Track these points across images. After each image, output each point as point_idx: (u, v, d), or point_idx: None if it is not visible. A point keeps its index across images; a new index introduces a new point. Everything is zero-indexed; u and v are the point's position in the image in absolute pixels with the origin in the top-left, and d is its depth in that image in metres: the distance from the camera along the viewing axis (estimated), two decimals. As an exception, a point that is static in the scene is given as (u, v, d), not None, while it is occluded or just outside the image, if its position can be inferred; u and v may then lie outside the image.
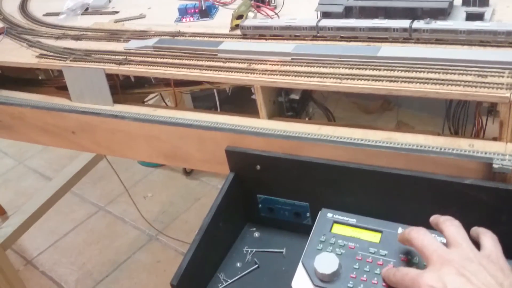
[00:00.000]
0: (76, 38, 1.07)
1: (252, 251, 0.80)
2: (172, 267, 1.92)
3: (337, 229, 0.70)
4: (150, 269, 1.93)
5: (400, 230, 0.67)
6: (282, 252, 0.79)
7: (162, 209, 2.20)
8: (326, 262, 0.64)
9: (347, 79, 0.74)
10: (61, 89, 1.05)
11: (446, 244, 0.58)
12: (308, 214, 0.79)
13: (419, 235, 0.60)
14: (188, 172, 2.37)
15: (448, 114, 0.83)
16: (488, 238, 0.59)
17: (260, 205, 0.83)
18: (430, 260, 0.57)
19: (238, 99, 0.93)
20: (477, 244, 0.59)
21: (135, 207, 1.97)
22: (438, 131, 0.83)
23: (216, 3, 1.07)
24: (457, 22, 0.77)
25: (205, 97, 1.32)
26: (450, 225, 0.60)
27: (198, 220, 2.00)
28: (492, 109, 0.76)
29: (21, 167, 2.69)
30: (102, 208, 2.29)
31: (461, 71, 0.69)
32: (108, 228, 2.17)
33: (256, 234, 0.83)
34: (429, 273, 0.55)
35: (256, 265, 0.78)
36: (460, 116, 0.82)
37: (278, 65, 0.81)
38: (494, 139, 0.73)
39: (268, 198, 0.81)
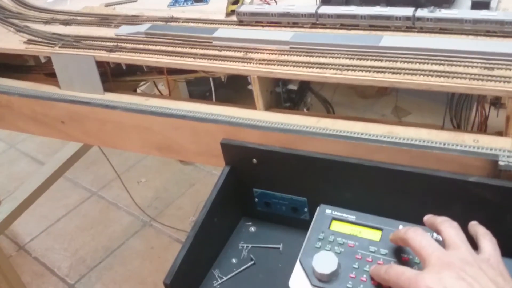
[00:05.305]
0: (66, 23, 1.04)
1: (248, 246, 0.78)
2: (166, 253, 1.92)
3: (336, 226, 0.68)
4: (144, 255, 1.92)
5: (401, 227, 0.65)
6: (279, 248, 0.77)
7: (156, 195, 2.18)
8: (325, 261, 0.62)
9: (348, 70, 0.71)
10: (51, 75, 1.01)
11: (444, 246, 0.56)
12: (306, 209, 0.77)
13: (416, 235, 0.57)
14: (182, 157, 2.34)
15: (450, 105, 0.80)
16: (488, 242, 0.57)
17: (256, 199, 0.80)
18: (428, 261, 0.55)
19: (234, 85, 0.89)
20: (473, 242, 0.57)
21: (128, 192, 1.95)
22: (439, 122, 0.80)
23: (211, -13, 1.03)
24: (462, 10, 0.74)
25: (200, 82, 1.29)
26: (449, 226, 0.58)
27: (192, 206, 2.01)
28: (496, 101, 0.74)
29: (13, 151, 2.65)
30: (95, 193, 2.26)
31: (467, 63, 0.67)
32: (101, 213, 2.15)
33: (252, 229, 0.81)
34: (428, 274, 0.53)
35: (252, 262, 0.75)
36: (463, 107, 0.80)
37: (275, 54, 0.78)
38: (498, 133, 0.70)
39: (265, 192, 0.79)
